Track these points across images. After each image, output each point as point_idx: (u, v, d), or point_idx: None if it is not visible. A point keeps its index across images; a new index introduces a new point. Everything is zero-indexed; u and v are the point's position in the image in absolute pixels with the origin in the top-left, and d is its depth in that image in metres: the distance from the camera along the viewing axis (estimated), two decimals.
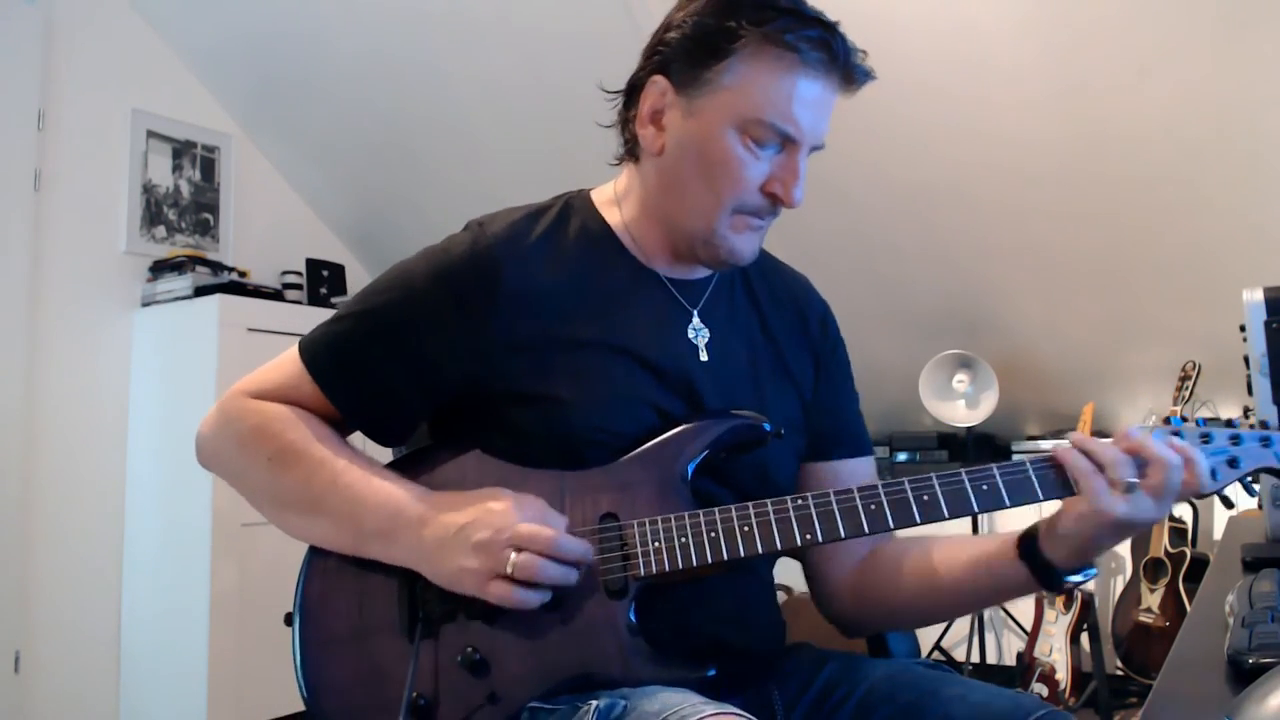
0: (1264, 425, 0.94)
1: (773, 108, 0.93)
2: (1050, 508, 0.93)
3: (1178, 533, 2.96)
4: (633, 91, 1.01)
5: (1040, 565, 0.92)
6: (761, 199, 0.97)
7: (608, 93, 1.04)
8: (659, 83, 0.97)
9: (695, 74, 0.94)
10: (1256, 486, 0.95)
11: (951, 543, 1.02)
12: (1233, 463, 0.91)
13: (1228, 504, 0.95)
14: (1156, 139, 2.50)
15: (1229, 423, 0.94)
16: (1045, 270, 2.99)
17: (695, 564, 0.90)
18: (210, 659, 2.79)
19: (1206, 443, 0.92)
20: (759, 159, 0.95)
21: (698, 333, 1.03)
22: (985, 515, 3.30)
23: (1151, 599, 2.92)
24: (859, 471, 1.13)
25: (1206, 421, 0.95)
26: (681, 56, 0.95)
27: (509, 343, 0.96)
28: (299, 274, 3.58)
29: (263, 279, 3.35)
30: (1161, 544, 2.94)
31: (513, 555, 0.85)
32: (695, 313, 1.04)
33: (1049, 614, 2.99)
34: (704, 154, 0.95)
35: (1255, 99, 2.33)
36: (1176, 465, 0.85)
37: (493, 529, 0.87)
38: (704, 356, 1.02)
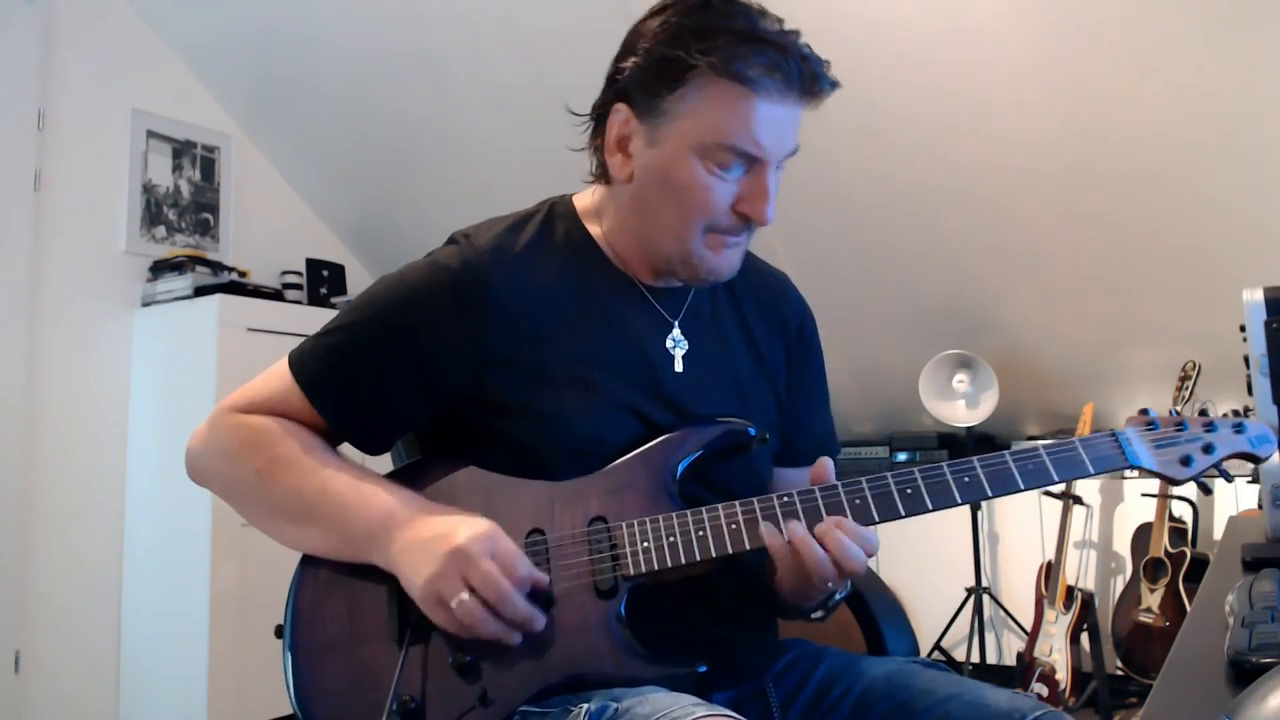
0: (1235, 413, 0.98)
1: (733, 132, 0.92)
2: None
3: (1178, 533, 2.97)
4: (599, 118, 1.01)
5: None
6: (733, 218, 0.97)
7: (576, 115, 1.03)
8: (621, 111, 0.97)
9: (653, 103, 0.94)
10: (1233, 473, 0.97)
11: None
12: (1207, 449, 0.95)
13: (1206, 490, 0.98)
14: (1156, 139, 2.50)
15: (1202, 412, 0.98)
16: (1045, 270, 3.00)
17: (684, 562, 0.91)
18: (210, 659, 2.79)
19: (1180, 431, 0.95)
20: (725, 180, 0.95)
21: (676, 344, 1.04)
22: (986, 503, 3.31)
23: (1151, 599, 2.92)
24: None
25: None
26: (639, 85, 0.95)
27: (499, 354, 0.97)
28: (299, 274, 3.58)
29: (263, 279, 3.35)
30: (1161, 544, 2.94)
31: (463, 594, 0.86)
32: (676, 324, 1.05)
33: (1049, 614, 2.99)
34: (670, 181, 0.95)
35: (1255, 99, 2.33)
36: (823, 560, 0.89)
37: (457, 551, 0.86)
38: (679, 367, 1.03)
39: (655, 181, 0.97)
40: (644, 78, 0.94)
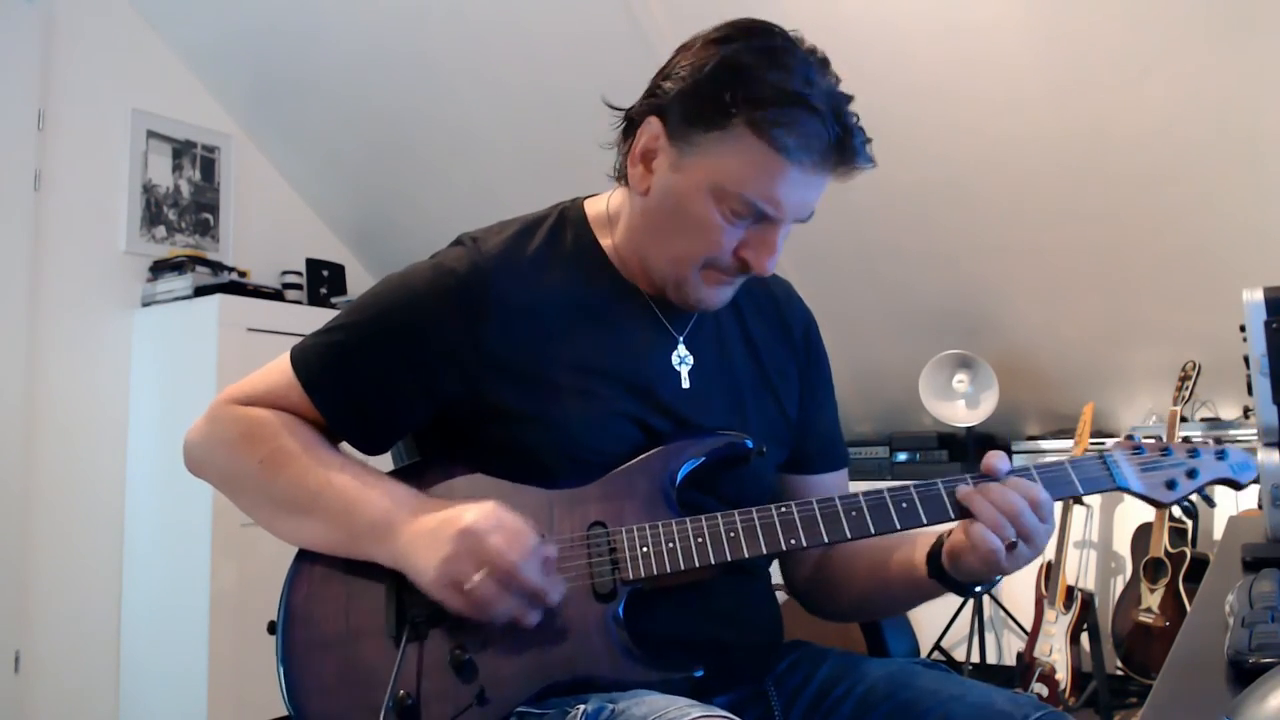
0: (1217, 442, 1.02)
1: (756, 188, 0.92)
2: None
3: (1178, 533, 2.96)
4: (631, 123, 1.00)
5: (950, 583, 0.97)
6: (733, 261, 0.97)
7: (611, 107, 1.03)
8: (654, 125, 0.96)
9: (686, 132, 0.93)
10: (1215, 498, 1.01)
11: (883, 553, 1.05)
12: (1191, 474, 0.97)
13: (1189, 513, 1.02)
14: (1156, 139, 2.50)
15: (1186, 439, 1.03)
16: (1045, 270, 3.00)
17: (683, 567, 0.92)
18: (210, 659, 2.79)
19: (1165, 456, 0.98)
20: (735, 226, 0.94)
21: (682, 360, 1.04)
22: None
23: (1151, 599, 2.92)
24: (835, 484, 1.16)
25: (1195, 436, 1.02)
26: (675, 109, 0.94)
27: (501, 359, 0.96)
28: (299, 274, 3.58)
29: (263, 279, 3.35)
30: (1161, 544, 2.94)
31: (476, 576, 0.85)
32: (681, 339, 1.05)
33: (1049, 614, 2.99)
34: (681, 210, 0.95)
35: (1255, 99, 2.33)
36: (1029, 515, 0.90)
37: (466, 531, 0.86)
38: (685, 383, 1.03)
39: (669, 205, 0.96)
40: (682, 105, 0.93)
